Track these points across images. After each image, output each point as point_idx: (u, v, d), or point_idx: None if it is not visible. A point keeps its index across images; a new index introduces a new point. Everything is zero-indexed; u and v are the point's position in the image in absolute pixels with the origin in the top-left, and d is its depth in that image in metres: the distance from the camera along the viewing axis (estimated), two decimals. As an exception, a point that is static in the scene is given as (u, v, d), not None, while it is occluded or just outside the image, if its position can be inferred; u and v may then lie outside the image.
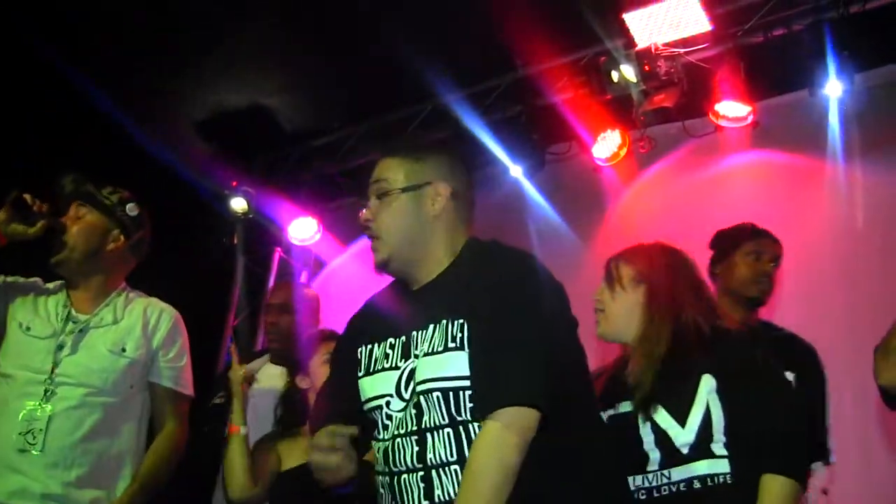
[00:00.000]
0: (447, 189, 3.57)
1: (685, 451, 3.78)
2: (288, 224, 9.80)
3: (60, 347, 4.61)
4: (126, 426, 4.69)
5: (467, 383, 3.18)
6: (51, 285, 4.92)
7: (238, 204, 9.35)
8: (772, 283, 5.37)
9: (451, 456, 3.17)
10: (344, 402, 3.60)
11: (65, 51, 7.29)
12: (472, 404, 3.16)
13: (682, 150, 8.33)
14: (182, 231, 8.36)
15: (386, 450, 3.35)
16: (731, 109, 7.84)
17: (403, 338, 3.43)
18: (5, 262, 4.75)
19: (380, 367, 3.47)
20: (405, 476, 3.26)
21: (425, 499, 3.20)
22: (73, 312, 4.75)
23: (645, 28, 7.67)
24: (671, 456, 3.81)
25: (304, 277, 10.19)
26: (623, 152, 8.43)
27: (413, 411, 3.27)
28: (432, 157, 3.66)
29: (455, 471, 3.15)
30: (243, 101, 8.94)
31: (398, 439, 3.29)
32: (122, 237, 4.90)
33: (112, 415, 4.62)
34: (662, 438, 3.82)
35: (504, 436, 3.03)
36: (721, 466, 3.74)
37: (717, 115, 7.88)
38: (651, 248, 4.31)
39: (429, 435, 3.22)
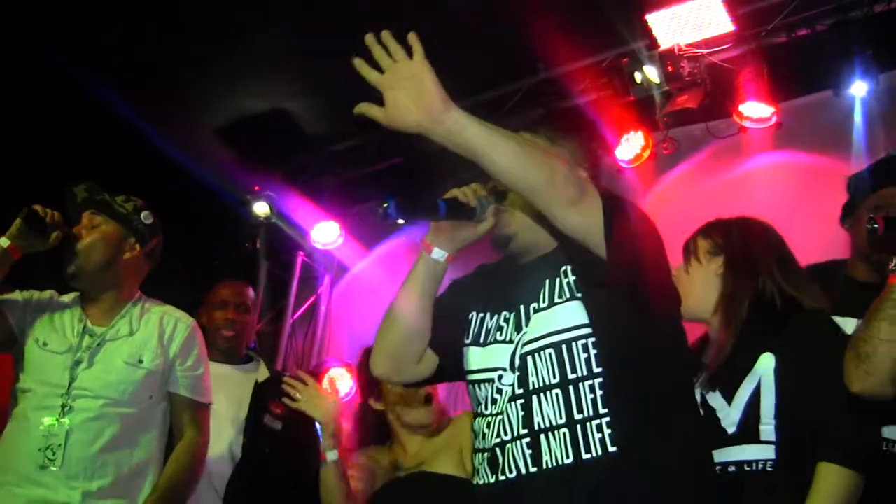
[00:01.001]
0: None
1: (731, 430, 3.69)
2: (310, 228, 9.79)
3: (78, 363, 4.61)
4: (146, 436, 4.69)
5: (580, 332, 3.17)
6: (66, 298, 4.92)
7: (261, 208, 9.35)
8: None
9: (560, 419, 3.12)
10: (450, 356, 3.61)
11: (86, 59, 7.30)
12: (586, 355, 3.14)
13: (706, 152, 8.30)
14: (205, 236, 8.39)
15: (490, 423, 3.29)
16: (755, 110, 7.80)
17: (515, 311, 3.39)
18: (21, 274, 4.75)
19: (492, 340, 3.43)
20: (509, 446, 3.20)
21: (533, 465, 3.14)
22: (90, 325, 4.76)
23: (668, 29, 7.64)
24: (716, 437, 3.70)
25: (326, 282, 10.19)
26: (646, 154, 8.39)
27: (518, 374, 3.23)
28: (569, 140, 3.60)
29: (564, 434, 3.11)
30: (265, 106, 8.94)
31: (507, 410, 3.23)
32: (137, 246, 4.93)
33: (131, 426, 4.62)
34: (710, 418, 3.74)
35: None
36: (764, 453, 3.62)
37: (740, 115, 7.85)
38: (729, 220, 4.26)
39: (535, 397, 3.17)
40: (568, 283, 3.25)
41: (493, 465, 3.23)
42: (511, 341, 3.34)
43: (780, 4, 7.60)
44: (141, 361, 4.68)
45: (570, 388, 3.13)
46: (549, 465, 3.10)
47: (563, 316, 3.22)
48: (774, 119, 7.79)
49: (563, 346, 3.17)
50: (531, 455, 3.14)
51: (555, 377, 3.15)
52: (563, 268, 3.29)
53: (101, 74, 7.23)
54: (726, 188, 8.14)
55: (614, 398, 3.11)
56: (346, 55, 8.01)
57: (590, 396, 3.11)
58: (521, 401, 3.20)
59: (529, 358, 3.21)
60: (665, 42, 7.70)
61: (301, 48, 8.17)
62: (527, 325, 3.30)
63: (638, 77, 7.82)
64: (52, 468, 4.42)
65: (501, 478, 3.19)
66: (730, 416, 3.69)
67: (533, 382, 3.18)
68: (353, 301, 9.90)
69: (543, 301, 3.29)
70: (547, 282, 3.32)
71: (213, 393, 5.03)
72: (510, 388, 3.25)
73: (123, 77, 7.51)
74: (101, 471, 4.50)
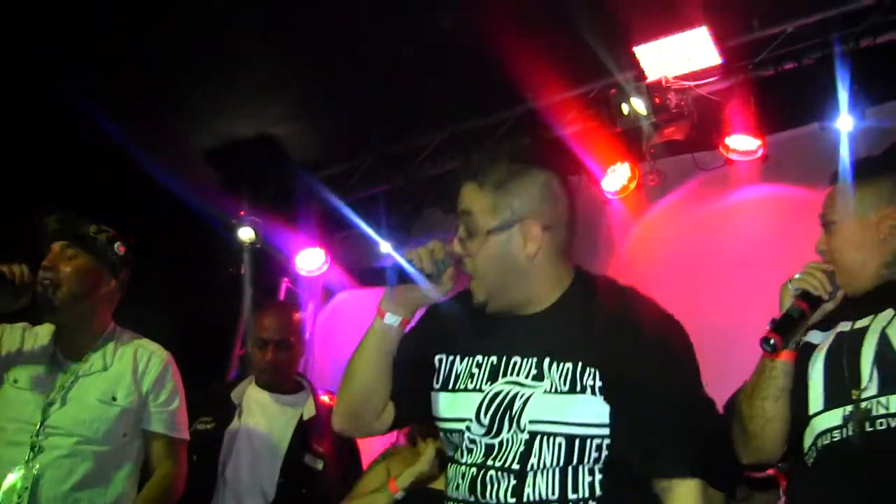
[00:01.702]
0: (538, 225, 3.33)
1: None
2: (295, 254, 9.78)
3: (51, 403, 4.58)
4: (120, 473, 4.67)
5: (595, 431, 3.14)
6: (39, 330, 4.88)
7: (246, 233, 9.34)
8: None
9: (553, 495, 3.11)
10: (412, 407, 3.56)
11: (73, 81, 7.29)
12: (597, 454, 3.14)
13: (692, 184, 8.31)
14: (189, 260, 8.36)
15: (473, 479, 3.22)
16: (741, 143, 7.82)
17: (495, 358, 3.32)
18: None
19: (462, 387, 3.35)
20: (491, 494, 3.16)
21: None
22: (62, 359, 4.72)
23: (655, 61, 7.67)
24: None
25: (310, 308, 10.17)
26: (633, 185, 8.41)
27: (521, 448, 3.16)
28: (519, 185, 3.37)
29: None
30: (251, 131, 8.94)
31: (491, 472, 3.18)
32: (112, 280, 4.88)
33: (104, 463, 4.59)
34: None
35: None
36: None
37: (727, 148, 7.86)
38: None
39: (531, 473, 3.13)
40: (595, 385, 3.17)
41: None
42: (481, 390, 3.28)
43: (767, 38, 7.63)
44: (115, 399, 4.65)
45: (570, 469, 3.13)
46: None
47: (583, 410, 3.17)
48: (761, 152, 7.81)
49: (577, 441, 3.14)
50: None
51: (559, 462, 3.13)
52: (592, 367, 3.19)
53: (88, 96, 7.20)
54: (712, 220, 8.15)
55: (611, 483, 3.14)
56: (335, 82, 8.07)
57: (587, 479, 3.13)
58: (515, 473, 3.15)
59: (538, 439, 3.15)
60: (652, 74, 7.72)
61: (289, 74, 8.18)
62: (514, 383, 3.24)
63: (625, 108, 7.83)
64: None
65: None
66: None
67: (533, 464, 3.14)
68: (337, 328, 9.88)
69: (559, 384, 3.19)
70: (558, 364, 3.21)
71: (252, 418, 5.03)
72: (496, 450, 3.21)
73: (110, 99, 7.49)
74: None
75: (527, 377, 3.23)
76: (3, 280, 4.43)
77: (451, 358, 3.44)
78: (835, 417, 3.21)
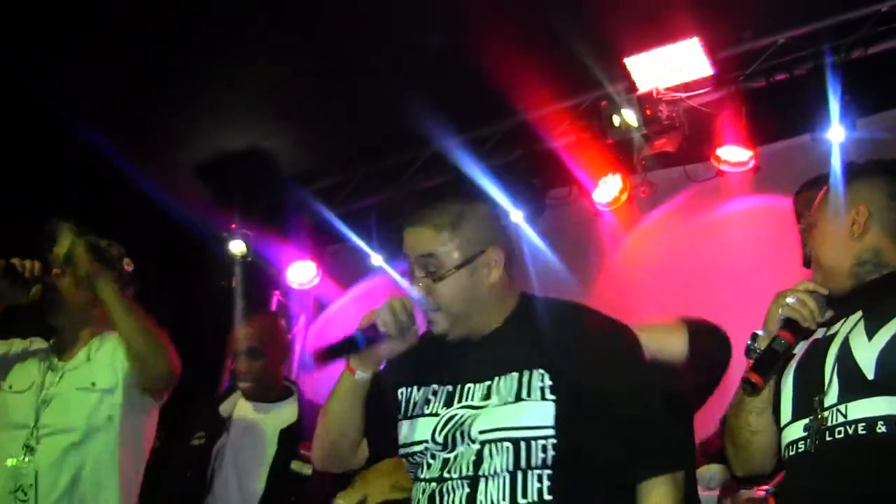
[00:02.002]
0: (499, 253, 3.52)
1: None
2: (286, 267, 9.77)
3: (44, 402, 4.58)
4: (114, 459, 4.62)
5: (539, 433, 3.22)
6: (41, 344, 4.91)
7: (237, 246, 9.33)
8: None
9: (503, 500, 3.17)
10: (382, 440, 3.67)
11: (63, 95, 7.28)
12: (543, 455, 3.20)
13: (684, 195, 8.30)
14: (180, 273, 8.34)
15: (432, 492, 3.32)
16: (733, 154, 7.82)
17: (450, 387, 3.45)
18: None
19: (419, 413, 3.48)
20: None
21: None
22: (56, 361, 4.73)
23: (646, 72, 7.67)
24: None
25: (302, 321, 10.15)
26: (624, 197, 8.41)
27: (473, 457, 3.27)
28: (473, 218, 3.54)
29: None
30: (242, 144, 8.93)
31: (448, 483, 3.29)
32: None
33: (96, 451, 4.56)
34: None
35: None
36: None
37: (718, 159, 7.86)
38: None
39: (483, 480, 3.22)
40: (542, 387, 3.28)
41: None
42: (436, 414, 3.41)
43: (758, 49, 7.65)
44: (94, 384, 4.63)
45: (520, 474, 3.20)
46: None
47: (528, 415, 3.26)
48: (752, 163, 7.81)
49: (523, 443, 3.23)
50: None
51: (509, 467, 3.21)
52: (539, 370, 3.31)
53: (79, 109, 7.20)
54: (704, 231, 8.14)
55: (560, 487, 3.19)
56: (324, 96, 8.06)
57: (536, 485, 3.19)
58: (469, 481, 3.25)
59: (487, 447, 3.26)
60: (644, 85, 7.72)
61: (280, 87, 8.18)
62: (467, 406, 3.37)
63: (616, 120, 7.83)
64: None
65: None
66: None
67: (485, 469, 3.23)
68: (328, 341, 9.86)
69: (505, 395, 3.31)
70: (515, 375, 3.33)
71: (238, 430, 5.03)
72: (453, 462, 3.31)
73: (101, 113, 7.49)
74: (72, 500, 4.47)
75: (479, 399, 3.35)
76: (15, 272, 4.54)
77: (410, 389, 3.58)
78: (799, 428, 3.19)
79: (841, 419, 3.06)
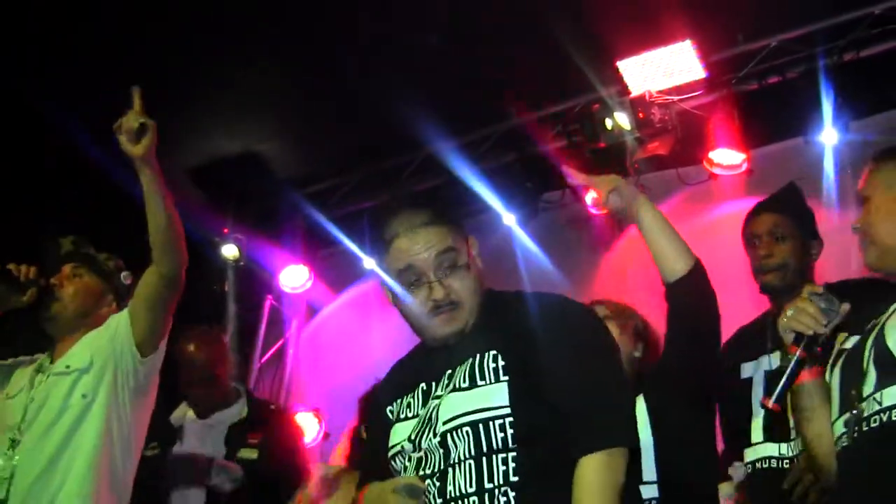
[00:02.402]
0: (476, 247, 3.60)
1: None
2: (279, 271, 9.76)
3: (32, 399, 4.60)
4: (87, 444, 4.59)
5: (495, 413, 3.21)
6: (38, 357, 4.93)
7: (229, 251, 9.32)
8: (780, 259, 4.93)
9: (470, 487, 3.17)
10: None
11: (55, 98, 7.27)
12: (502, 434, 3.19)
13: (676, 198, 8.29)
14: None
15: None
16: (726, 157, 7.82)
17: (423, 385, 3.48)
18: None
19: (403, 417, 3.51)
20: None
21: None
22: (47, 365, 4.75)
23: (639, 75, 7.68)
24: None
25: (294, 325, 10.15)
26: (617, 200, 8.39)
27: (440, 451, 3.28)
28: (456, 219, 3.62)
29: (473, 502, 3.16)
30: (236, 148, 8.93)
31: (424, 482, 3.28)
32: (114, 304, 4.96)
33: (69, 431, 4.55)
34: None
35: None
36: None
37: (711, 162, 7.86)
38: None
39: (450, 469, 3.22)
40: (495, 368, 3.29)
41: None
42: (416, 415, 3.44)
43: (751, 52, 7.66)
44: (68, 367, 4.64)
45: (484, 459, 3.20)
46: None
47: (484, 397, 3.26)
48: (745, 166, 7.81)
49: (481, 425, 3.21)
50: None
51: (471, 451, 3.21)
52: (491, 351, 3.33)
53: (71, 112, 7.19)
54: (697, 234, 8.10)
55: (525, 468, 3.17)
56: (317, 100, 8.05)
57: (502, 468, 3.17)
58: (439, 475, 3.26)
59: (450, 436, 3.27)
60: (636, 88, 7.73)
61: (274, 91, 8.18)
62: (434, 397, 3.41)
63: (608, 123, 7.83)
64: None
65: None
66: None
67: (453, 458, 3.24)
68: (321, 345, 9.86)
69: (464, 381, 3.32)
70: (469, 361, 3.36)
71: (189, 440, 5.01)
72: (427, 460, 3.33)
73: (93, 115, 7.46)
74: (48, 484, 4.47)
75: (443, 390, 3.38)
76: (10, 275, 4.60)
77: (396, 402, 3.59)
78: (841, 424, 3.15)
79: (876, 407, 3.00)
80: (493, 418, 3.21)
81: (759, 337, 4.77)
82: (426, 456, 3.31)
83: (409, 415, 3.47)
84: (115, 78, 7.61)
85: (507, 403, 3.21)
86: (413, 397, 3.51)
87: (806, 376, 3.26)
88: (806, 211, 5.18)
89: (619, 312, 4.40)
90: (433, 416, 3.34)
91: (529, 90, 7.98)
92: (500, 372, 3.27)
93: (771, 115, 7.82)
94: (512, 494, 3.11)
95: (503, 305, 3.53)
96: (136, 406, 4.79)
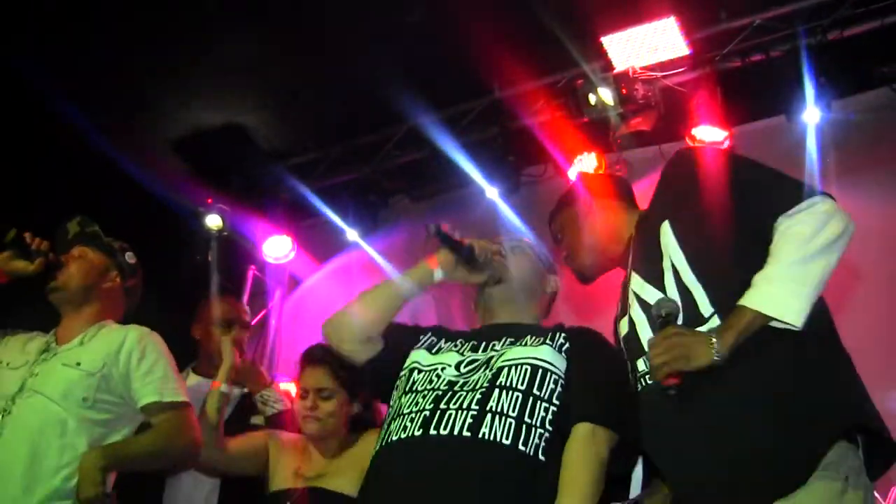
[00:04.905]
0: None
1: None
2: (262, 242, 9.77)
3: (33, 374, 4.61)
4: (78, 440, 4.60)
5: (555, 370, 3.62)
6: (42, 335, 4.94)
7: (213, 221, 9.31)
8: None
9: (512, 412, 3.42)
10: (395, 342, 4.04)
11: (42, 70, 7.26)
12: (553, 386, 3.56)
13: (659, 174, 8.31)
14: (157, 248, 8.32)
15: (424, 396, 3.60)
16: (708, 134, 7.83)
17: (475, 342, 3.86)
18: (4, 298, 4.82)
19: (444, 350, 3.85)
20: (452, 411, 3.46)
21: (468, 430, 3.40)
22: (54, 345, 4.76)
23: (623, 51, 7.71)
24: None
25: (277, 296, 10.17)
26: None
27: (489, 374, 3.56)
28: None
29: (510, 424, 3.39)
30: (219, 120, 8.93)
31: (458, 393, 3.52)
32: (118, 279, 4.99)
33: (64, 425, 4.54)
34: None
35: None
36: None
37: (693, 139, 7.86)
38: None
39: (497, 390, 3.48)
40: (562, 344, 3.76)
41: (426, 423, 3.45)
42: (462, 354, 3.74)
43: (735, 29, 7.68)
44: (78, 364, 4.63)
45: (531, 399, 3.47)
46: (486, 437, 3.36)
47: (547, 353, 3.65)
48: (727, 143, 7.82)
49: (540, 370, 3.57)
50: (470, 424, 3.41)
51: (522, 385, 3.49)
52: (562, 333, 3.83)
53: (54, 83, 7.19)
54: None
55: (557, 425, 3.46)
56: (303, 71, 8.05)
57: (542, 414, 3.45)
58: (483, 391, 3.48)
59: (506, 368, 3.56)
60: (620, 64, 7.76)
61: (257, 63, 8.16)
62: (489, 350, 3.73)
63: (592, 99, 7.85)
64: None
65: (432, 433, 3.42)
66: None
67: (501, 382, 3.50)
68: (303, 315, 9.88)
69: (533, 341, 3.73)
70: (541, 333, 3.81)
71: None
72: (466, 379, 3.60)
73: (77, 87, 7.47)
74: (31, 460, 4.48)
75: (504, 347, 3.77)
76: (23, 241, 4.67)
77: (435, 338, 3.98)
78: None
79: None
80: (551, 371, 3.59)
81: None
82: (469, 381, 3.59)
83: (455, 349, 3.80)
84: (98, 49, 7.65)
85: (564, 371, 3.63)
86: (461, 343, 3.83)
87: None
88: None
89: None
90: (491, 358, 3.65)
91: (513, 64, 7.99)
92: (565, 348, 3.72)
93: (753, 92, 7.84)
94: (545, 437, 3.42)
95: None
96: (131, 420, 4.81)
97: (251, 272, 10.17)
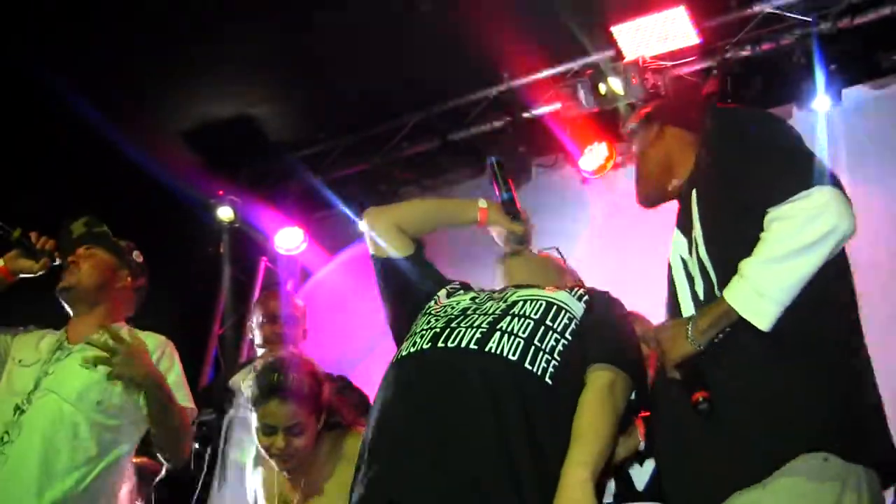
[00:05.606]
0: None
1: None
2: (274, 233, 9.77)
3: (47, 373, 4.62)
4: (91, 442, 4.61)
5: (570, 309, 3.58)
6: (53, 332, 4.94)
7: (224, 213, 9.33)
8: None
9: (524, 333, 3.39)
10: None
11: (51, 62, 7.27)
12: (566, 322, 3.52)
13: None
14: (169, 240, 8.36)
15: (439, 317, 3.60)
16: (718, 123, 7.82)
17: (496, 293, 3.76)
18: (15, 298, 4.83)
19: (462, 297, 3.80)
20: (462, 329, 3.44)
21: (475, 344, 3.37)
22: (66, 344, 4.76)
23: (633, 41, 7.69)
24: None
25: (289, 287, 10.17)
26: (610, 165, 8.42)
27: (503, 304, 3.56)
28: None
29: (518, 343, 3.35)
30: (230, 112, 8.94)
31: (470, 316, 3.52)
32: (129, 278, 4.99)
33: (78, 426, 4.55)
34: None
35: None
36: None
37: (702, 128, 7.86)
38: None
39: (510, 317, 3.47)
40: (581, 294, 3.74)
41: (435, 338, 3.45)
42: (478, 300, 3.70)
43: (745, 18, 7.66)
44: (95, 365, 4.65)
45: (543, 327, 3.44)
46: (493, 351, 3.32)
47: (564, 296, 3.63)
48: (737, 132, 7.81)
49: (555, 306, 3.55)
50: (478, 339, 3.37)
51: (536, 315, 3.48)
52: (580, 289, 3.81)
53: (66, 76, 7.20)
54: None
55: (566, 358, 3.41)
56: (312, 62, 8.05)
57: (552, 343, 3.41)
58: (496, 316, 3.48)
59: (521, 301, 3.56)
60: (630, 54, 7.74)
61: (268, 55, 8.18)
62: (507, 300, 3.63)
63: (602, 88, 7.85)
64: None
65: (440, 345, 3.41)
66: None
67: (515, 311, 3.49)
68: (315, 306, 9.88)
69: (549, 290, 3.71)
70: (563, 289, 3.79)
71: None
72: (483, 306, 3.61)
73: (88, 80, 7.48)
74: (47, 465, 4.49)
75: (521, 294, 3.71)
76: (28, 240, 4.70)
77: (459, 289, 3.95)
78: None
79: None
80: (566, 310, 3.56)
81: None
82: (483, 310, 3.56)
83: (471, 296, 3.77)
84: (110, 41, 7.66)
85: (580, 315, 3.58)
86: (481, 293, 3.80)
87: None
88: None
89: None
90: (507, 296, 3.63)
91: (523, 54, 7.99)
92: (585, 298, 3.69)
93: (763, 81, 7.83)
94: (553, 363, 3.35)
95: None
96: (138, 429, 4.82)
97: (263, 263, 10.18)
